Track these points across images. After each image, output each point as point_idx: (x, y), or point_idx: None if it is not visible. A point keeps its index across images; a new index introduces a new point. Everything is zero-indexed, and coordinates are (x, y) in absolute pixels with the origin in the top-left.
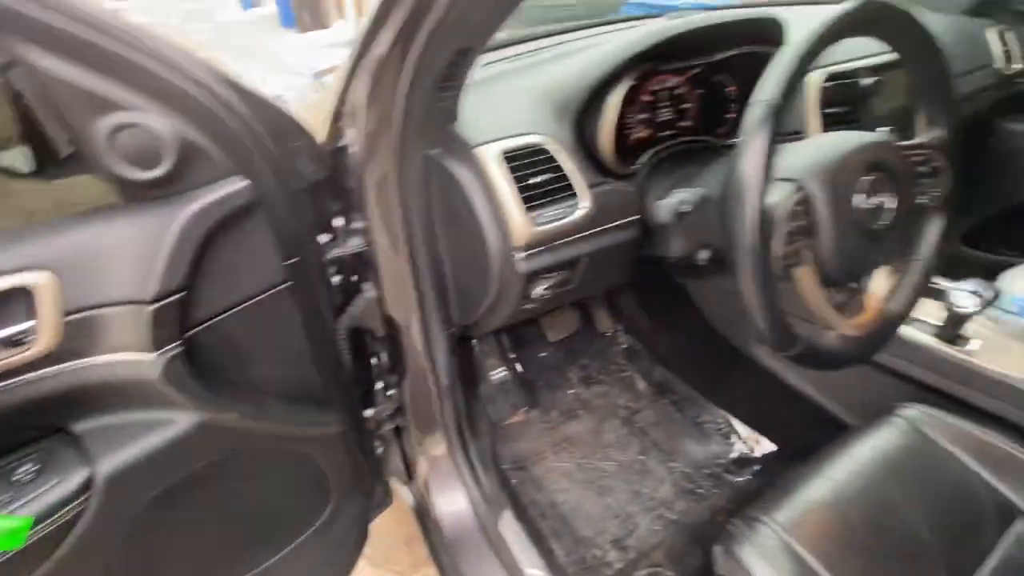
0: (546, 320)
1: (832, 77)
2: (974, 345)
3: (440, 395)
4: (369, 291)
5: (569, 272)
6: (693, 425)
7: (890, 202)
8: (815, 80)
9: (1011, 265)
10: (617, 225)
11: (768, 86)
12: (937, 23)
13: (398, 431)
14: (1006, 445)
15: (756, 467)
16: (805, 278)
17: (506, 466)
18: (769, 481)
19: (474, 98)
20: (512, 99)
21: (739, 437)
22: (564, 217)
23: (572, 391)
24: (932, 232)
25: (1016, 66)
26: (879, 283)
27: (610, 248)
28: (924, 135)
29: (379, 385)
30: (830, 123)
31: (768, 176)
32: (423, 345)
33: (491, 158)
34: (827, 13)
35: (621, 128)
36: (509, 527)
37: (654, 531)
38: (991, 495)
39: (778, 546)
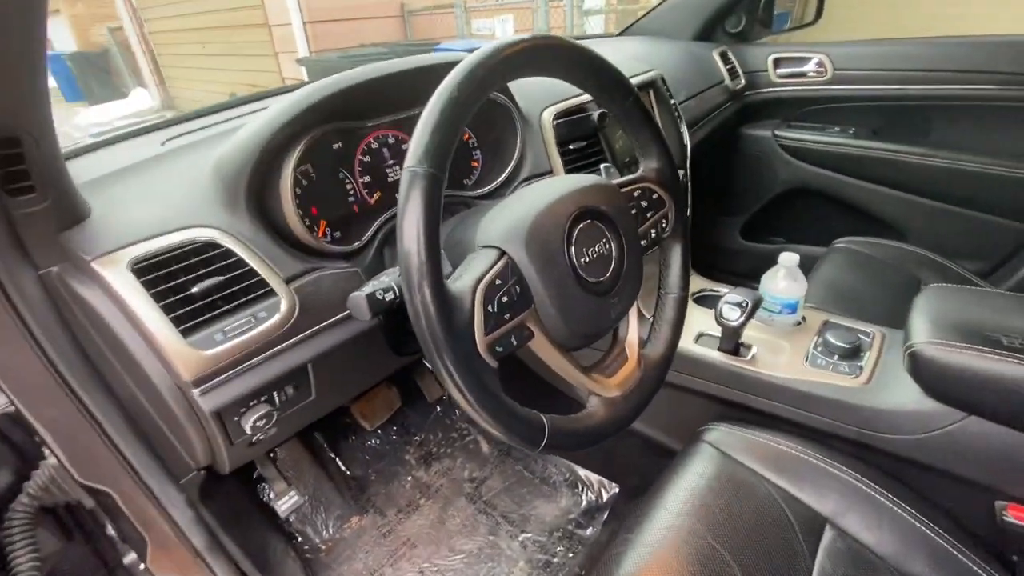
0: (358, 408)
1: (561, 114)
2: (752, 353)
3: (197, 555)
4: (50, 457)
5: (294, 389)
6: (541, 482)
7: (612, 248)
8: (546, 118)
9: (781, 251)
10: (342, 318)
11: (412, 149)
12: (672, 50)
13: None
14: (798, 451)
15: (604, 515)
16: (542, 350)
17: None
18: (615, 529)
19: (122, 190)
20: (171, 186)
21: (585, 485)
22: (251, 328)
23: (410, 477)
24: (675, 263)
25: (741, 81)
26: (632, 329)
27: (350, 342)
28: (641, 168)
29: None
30: (572, 160)
31: (466, 245)
32: (154, 507)
33: (115, 272)
34: (467, 57)
35: (328, 197)
36: None
37: None
38: (799, 508)
39: None
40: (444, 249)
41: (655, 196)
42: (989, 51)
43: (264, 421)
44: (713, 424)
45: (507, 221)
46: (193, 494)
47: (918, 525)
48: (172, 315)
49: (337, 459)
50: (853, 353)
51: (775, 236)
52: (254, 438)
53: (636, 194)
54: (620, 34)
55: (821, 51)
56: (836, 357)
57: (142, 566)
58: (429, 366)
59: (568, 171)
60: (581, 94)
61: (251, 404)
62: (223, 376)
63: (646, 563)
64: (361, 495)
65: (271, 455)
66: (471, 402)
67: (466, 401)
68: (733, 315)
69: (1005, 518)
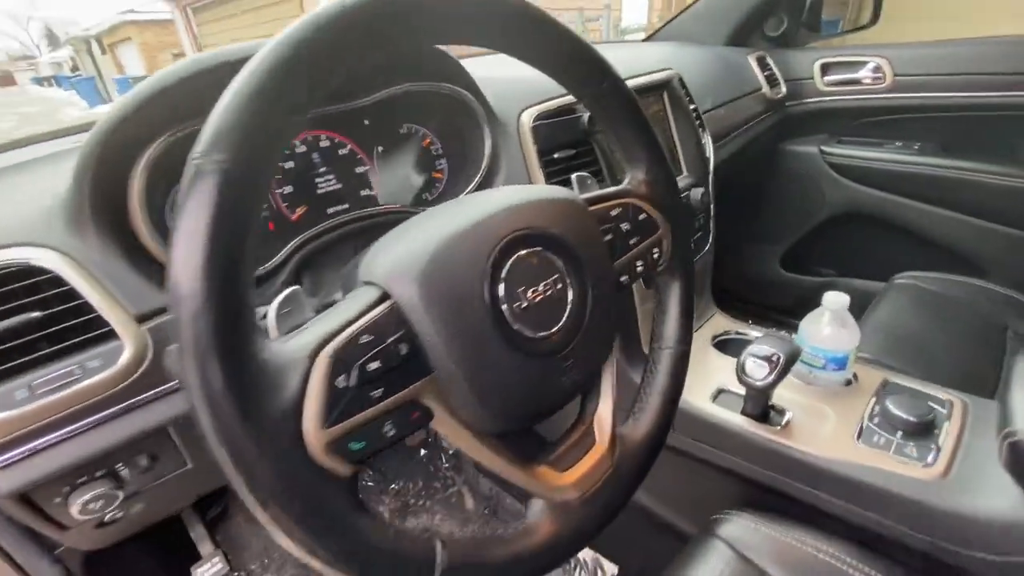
0: None
1: (544, 115)
2: (786, 419)
3: None
4: None
5: (149, 459)
6: None
7: (567, 288)
8: (525, 120)
9: (829, 285)
10: None
11: (205, 135)
12: (699, 55)
13: None
14: (841, 561)
15: None
16: (452, 435)
17: None
18: None
19: None
20: (12, 197)
21: (579, 563)
22: (74, 382)
23: None
24: (672, 306)
25: (781, 90)
26: (605, 399)
27: None
28: (626, 179)
29: None
30: (558, 172)
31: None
32: None
33: None
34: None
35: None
36: None
37: None
38: None
39: None
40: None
41: (642, 217)
42: None
43: (102, 503)
44: (731, 512)
45: (402, 248)
46: (75, 567)
47: None
48: None
49: None
50: (925, 430)
51: (823, 268)
52: (104, 517)
53: (614, 214)
54: (646, 39)
55: (879, 54)
56: (900, 434)
57: None
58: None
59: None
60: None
61: (78, 482)
62: (28, 446)
63: None
64: None
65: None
66: (301, 541)
67: (292, 540)
68: (759, 372)
69: None
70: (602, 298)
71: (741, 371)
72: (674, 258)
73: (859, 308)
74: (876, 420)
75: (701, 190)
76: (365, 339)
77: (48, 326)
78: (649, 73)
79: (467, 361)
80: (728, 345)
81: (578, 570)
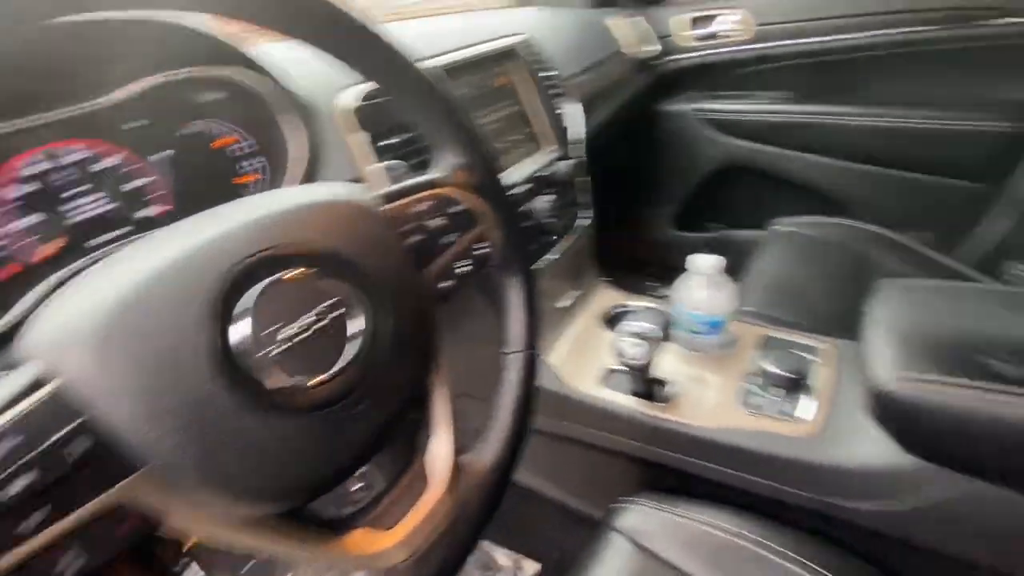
0: None
1: (371, 95)
2: (672, 392)
3: None
4: None
5: None
6: None
7: (348, 316)
8: (344, 105)
9: (720, 239)
10: None
11: None
12: (561, 19)
13: None
14: (736, 535)
15: None
16: (200, 531)
17: None
18: None
19: None
20: None
21: (499, 568)
22: None
23: None
24: (513, 305)
25: (650, 50)
26: (440, 431)
27: None
28: (434, 167)
29: None
30: (400, 157)
31: None
32: None
33: None
34: None
35: None
36: None
37: None
38: None
39: None
40: None
41: (457, 209)
42: None
43: None
44: (628, 501)
45: (78, 302)
46: None
47: None
48: None
49: None
50: (799, 384)
51: (713, 223)
52: None
53: (418, 210)
54: (507, 8)
55: (741, 4)
56: (777, 392)
57: None
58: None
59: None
60: None
61: None
62: None
63: None
64: None
65: None
66: None
67: None
68: (636, 351)
69: None
70: (408, 316)
71: (619, 353)
72: (506, 251)
73: (749, 258)
74: (755, 381)
75: (571, 161)
76: (9, 443)
77: None
78: (492, 40)
79: (192, 443)
80: (618, 320)
81: (498, 574)
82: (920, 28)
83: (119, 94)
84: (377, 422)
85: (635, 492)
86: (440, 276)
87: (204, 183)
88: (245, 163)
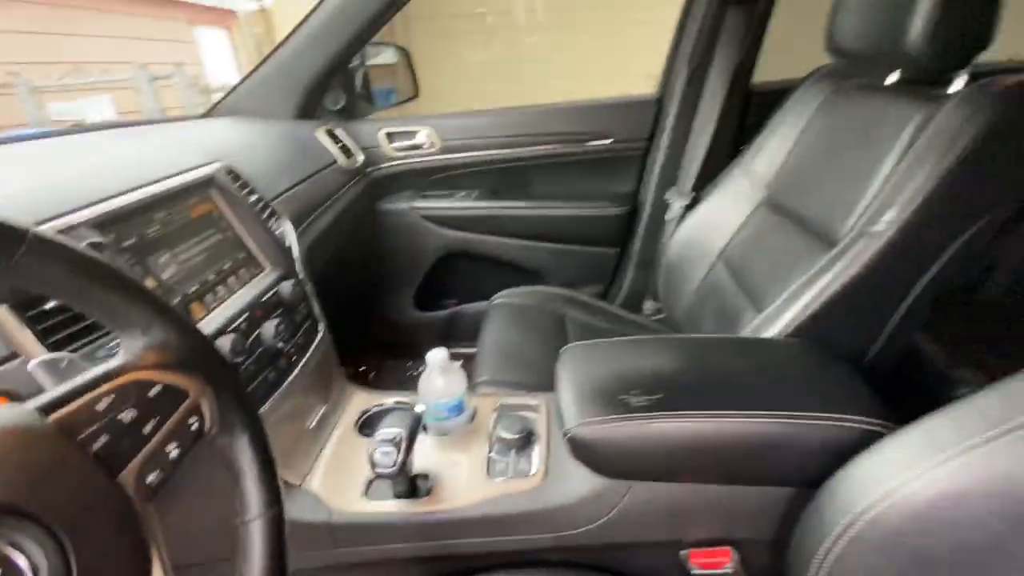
0: None
1: None
2: (430, 484)
3: None
4: None
5: None
6: None
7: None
8: None
9: (455, 315)
10: None
11: None
12: (270, 132)
13: None
14: None
15: None
16: None
17: None
18: None
19: None
20: None
21: None
22: None
23: None
24: (246, 467)
25: (357, 159)
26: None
27: None
28: (122, 354)
29: None
30: (59, 344)
31: None
32: None
33: None
34: None
35: None
36: None
37: None
38: None
39: None
40: None
41: (157, 392)
42: (547, 116)
43: None
44: None
45: None
46: None
47: None
48: None
49: None
50: (526, 443)
51: (448, 300)
52: None
53: (103, 407)
54: (204, 116)
55: (426, 124)
56: (513, 454)
57: None
58: None
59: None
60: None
61: None
62: None
63: None
64: None
65: None
66: None
67: None
68: (389, 460)
69: (691, 569)
70: (103, 541)
71: (374, 464)
72: (225, 415)
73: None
74: (495, 450)
75: (290, 281)
76: None
77: None
78: (185, 171)
79: None
80: (371, 423)
81: None
82: (557, 145)
83: None
84: None
85: None
86: (145, 471)
87: None
88: None
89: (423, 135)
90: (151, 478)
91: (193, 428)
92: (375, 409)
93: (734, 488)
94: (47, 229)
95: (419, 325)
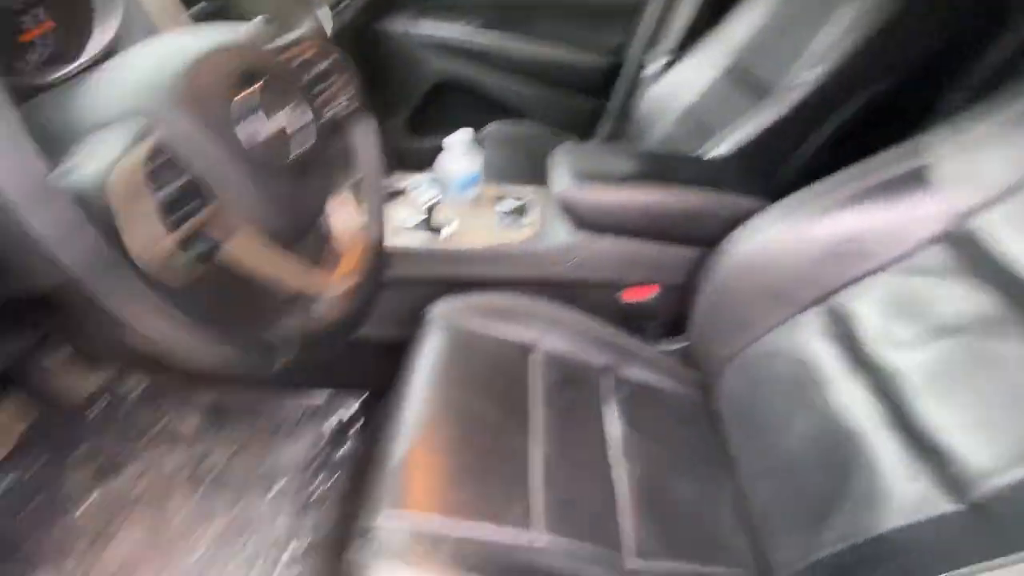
0: None
1: None
2: (449, 230)
3: None
4: None
5: None
6: (275, 428)
7: (292, 120)
8: None
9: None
10: None
11: None
12: None
13: None
14: (502, 301)
15: (358, 425)
16: (245, 253)
17: None
18: (375, 431)
19: None
20: None
21: (326, 407)
22: None
23: (91, 499)
24: (365, 141)
25: None
26: (343, 217)
27: None
28: (301, 28)
29: None
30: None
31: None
32: None
33: None
34: None
35: None
36: None
37: None
38: (513, 344)
39: (400, 541)
40: None
41: (325, 65)
42: None
43: None
44: (435, 304)
45: (144, 76)
46: None
47: (585, 324)
48: None
49: None
50: (521, 211)
51: (440, 128)
52: None
53: (299, 61)
54: None
55: None
56: (512, 218)
57: None
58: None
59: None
60: None
61: None
62: None
63: (414, 437)
64: (12, 556)
65: None
66: (165, 341)
67: (156, 343)
68: (431, 193)
69: (623, 301)
70: (326, 129)
71: (418, 198)
72: (357, 100)
73: None
74: (499, 215)
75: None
76: (152, 165)
77: None
78: None
79: (247, 181)
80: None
81: (326, 413)
82: None
83: None
84: (322, 191)
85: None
86: (320, 112)
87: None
88: (30, 15)
89: None
90: (331, 113)
91: (342, 101)
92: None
93: (665, 245)
94: None
95: (411, 151)
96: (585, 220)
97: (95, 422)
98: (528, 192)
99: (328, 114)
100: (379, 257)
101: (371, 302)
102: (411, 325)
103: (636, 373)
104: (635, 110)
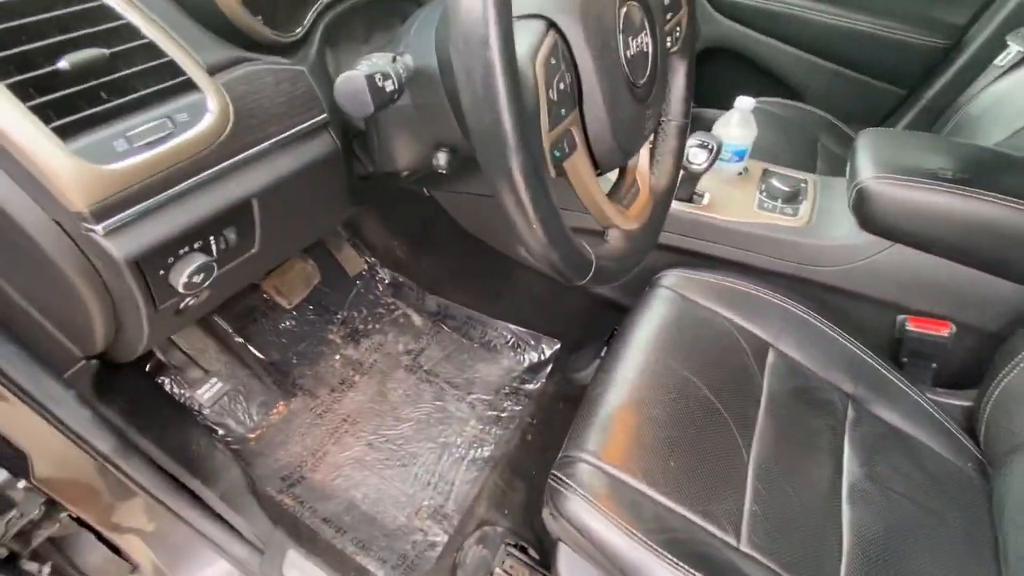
0: (271, 283)
1: None
2: (706, 200)
3: (104, 460)
4: None
5: (236, 235)
6: (481, 347)
7: (649, 44)
8: None
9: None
10: (294, 135)
11: None
12: None
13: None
14: (746, 287)
15: (548, 368)
16: (576, 169)
17: (272, 490)
18: (563, 381)
19: None
20: None
21: (526, 344)
22: (170, 136)
23: (338, 356)
24: (678, 85)
25: None
26: (644, 157)
27: (305, 171)
28: None
29: None
30: None
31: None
32: (34, 411)
33: None
34: None
35: None
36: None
37: (472, 480)
38: (748, 336)
39: (600, 484)
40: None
41: None
42: None
43: (202, 277)
44: (668, 271)
45: None
46: (85, 389)
47: (838, 340)
48: (29, 104)
49: (248, 344)
50: (795, 197)
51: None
52: (184, 302)
53: None
54: None
55: None
56: (780, 201)
57: (21, 484)
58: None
59: None
60: None
61: (181, 252)
62: (135, 208)
63: (629, 394)
64: (285, 380)
65: (171, 339)
66: (533, 222)
67: (527, 220)
68: (699, 158)
69: (906, 328)
70: (664, 57)
71: (685, 158)
72: (686, 40)
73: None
74: (764, 194)
75: None
76: (552, 61)
77: (115, 69)
78: None
79: (608, 97)
80: None
81: (525, 349)
82: None
83: None
84: (653, 122)
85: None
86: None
87: None
88: None
89: None
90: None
91: (676, 37)
92: None
93: (975, 274)
94: None
95: None
96: (877, 221)
97: (356, 291)
98: (803, 177)
99: (669, 45)
100: (662, 210)
101: (653, 246)
102: (631, 288)
103: (893, 416)
104: (959, 108)
